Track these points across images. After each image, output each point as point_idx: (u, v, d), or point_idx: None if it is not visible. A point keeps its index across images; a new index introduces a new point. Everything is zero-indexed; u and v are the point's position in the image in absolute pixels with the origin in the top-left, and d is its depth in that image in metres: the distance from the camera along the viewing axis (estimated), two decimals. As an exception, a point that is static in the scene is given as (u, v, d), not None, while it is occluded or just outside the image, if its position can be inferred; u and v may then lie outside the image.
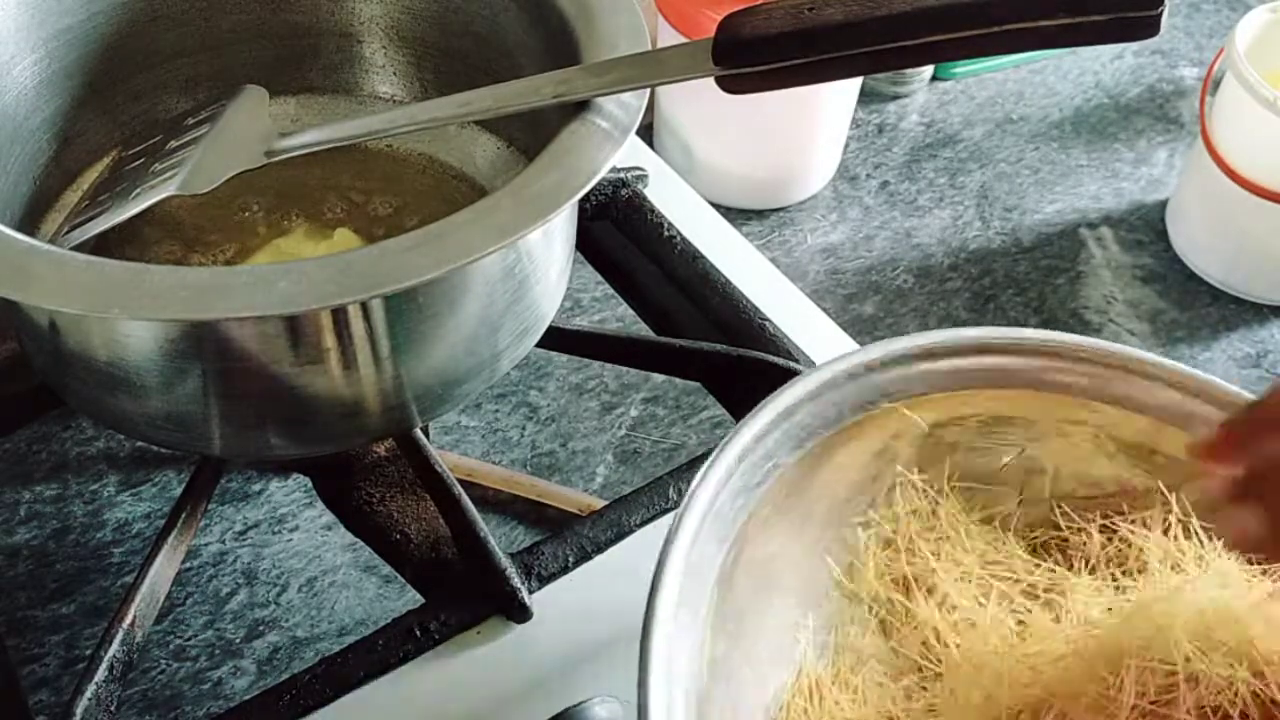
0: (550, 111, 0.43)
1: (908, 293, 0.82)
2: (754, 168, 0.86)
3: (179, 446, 0.45)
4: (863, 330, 0.80)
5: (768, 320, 0.54)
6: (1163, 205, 0.90)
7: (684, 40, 0.64)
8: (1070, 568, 0.47)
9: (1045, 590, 0.45)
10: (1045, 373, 0.48)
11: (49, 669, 0.59)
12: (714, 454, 0.41)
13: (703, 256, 0.56)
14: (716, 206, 0.62)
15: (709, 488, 0.41)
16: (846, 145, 0.91)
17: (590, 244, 0.61)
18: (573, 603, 0.44)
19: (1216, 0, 1.12)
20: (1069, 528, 0.48)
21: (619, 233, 0.59)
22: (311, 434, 0.44)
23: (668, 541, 0.39)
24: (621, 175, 0.59)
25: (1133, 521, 0.46)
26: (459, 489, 0.46)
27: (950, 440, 0.48)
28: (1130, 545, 0.46)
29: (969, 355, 0.47)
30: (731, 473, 0.42)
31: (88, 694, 0.41)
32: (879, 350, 0.47)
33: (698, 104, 0.85)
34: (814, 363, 0.53)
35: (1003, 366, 0.48)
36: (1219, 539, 0.43)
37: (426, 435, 0.48)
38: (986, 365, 0.48)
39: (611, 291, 0.64)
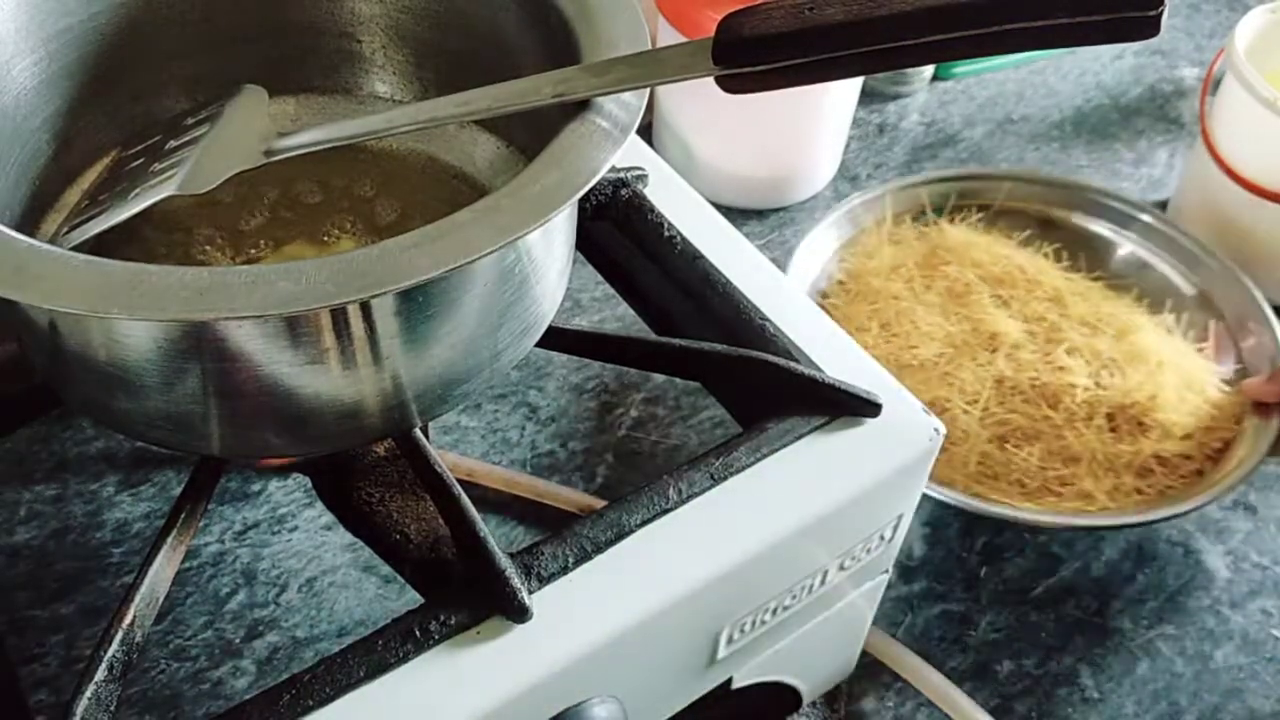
0: (550, 111, 0.43)
1: (908, 293, 0.82)
2: (754, 168, 0.86)
3: (178, 446, 0.45)
4: (863, 330, 0.79)
5: (768, 320, 0.54)
6: (1163, 205, 0.90)
7: (684, 40, 0.64)
8: None
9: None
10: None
11: (49, 669, 0.59)
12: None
13: (703, 256, 0.56)
14: (717, 206, 0.61)
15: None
16: (847, 145, 0.91)
17: (590, 244, 0.61)
18: (573, 603, 0.44)
19: (1216, 0, 1.12)
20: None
21: (619, 233, 0.58)
22: (311, 434, 0.44)
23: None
24: (621, 175, 0.59)
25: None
26: (459, 489, 0.46)
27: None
28: None
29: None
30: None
31: (87, 694, 0.40)
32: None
33: (698, 104, 0.85)
34: (815, 363, 0.53)
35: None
36: None
37: (426, 435, 0.48)
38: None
39: (611, 291, 0.64)
